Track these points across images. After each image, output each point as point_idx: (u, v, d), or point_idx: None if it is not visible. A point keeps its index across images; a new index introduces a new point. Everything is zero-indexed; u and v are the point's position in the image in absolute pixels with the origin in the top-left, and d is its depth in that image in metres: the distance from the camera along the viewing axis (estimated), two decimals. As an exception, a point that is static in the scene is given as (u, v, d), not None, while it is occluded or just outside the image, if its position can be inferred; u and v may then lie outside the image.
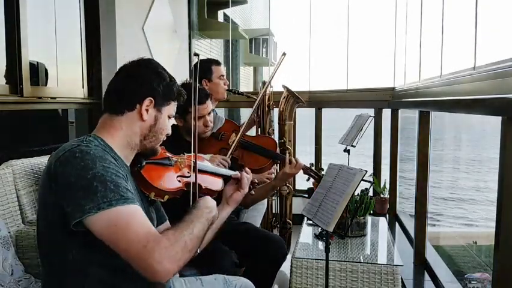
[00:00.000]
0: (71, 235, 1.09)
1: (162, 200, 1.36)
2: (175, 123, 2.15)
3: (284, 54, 2.39)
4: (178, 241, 1.09)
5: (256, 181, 1.84)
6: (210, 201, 1.31)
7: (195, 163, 1.42)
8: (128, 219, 1.07)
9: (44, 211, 1.16)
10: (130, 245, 1.05)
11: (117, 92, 1.27)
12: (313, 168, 2.16)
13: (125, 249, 1.06)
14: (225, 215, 1.57)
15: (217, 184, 1.56)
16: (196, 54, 1.43)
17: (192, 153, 1.45)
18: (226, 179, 1.62)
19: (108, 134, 1.24)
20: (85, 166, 1.08)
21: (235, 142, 2.07)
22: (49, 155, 2.04)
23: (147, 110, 1.26)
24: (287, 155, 2.11)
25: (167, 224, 1.51)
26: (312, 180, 3.77)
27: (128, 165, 1.30)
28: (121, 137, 1.26)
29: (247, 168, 1.67)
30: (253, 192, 1.77)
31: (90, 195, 1.06)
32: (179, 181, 1.40)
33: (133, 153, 1.30)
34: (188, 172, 1.44)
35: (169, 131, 1.36)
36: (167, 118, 1.33)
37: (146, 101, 1.26)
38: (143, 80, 1.26)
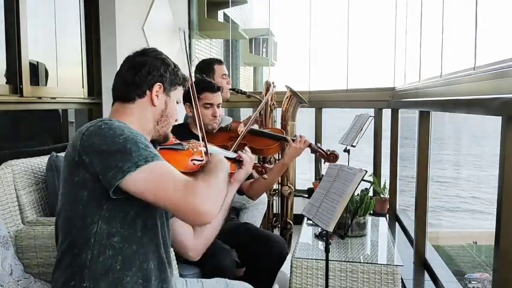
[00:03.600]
0: (101, 207, 1.15)
1: None
2: (182, 120, 2.18)
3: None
4: (211, 184, 1.17)
5: (269, 166, 1.89)
6: (218, 156, 1.39)
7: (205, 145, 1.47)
8: (166, 170, 1.15)
9: (73, 187, 1.19)
10: (174, 190, 1.11)
11: (126, 81, 1.32)
12: (319, 145, 2.24)
13: (169, 195, 1.11)
14: (230, 195, 1.61)
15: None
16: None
17: (200, 138, 1.49)
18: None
19: (122, 120, 1.28)
20: (114, 133, 1.14)
21: (245, 128, 2.17)
22: (49, 155, 2.06)
23: (157, 96, 1.32)
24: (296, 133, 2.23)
25: None
26: (313, 180, 3.79)
27: None
28: (134, 122, 1.30)
29: (247, 148, 1.71)
30: (267, 177, 1.87)
31: (126, 156, 1.11)
32: (194, 164, 1.45)
33: (148, 138, 1.34)
34: (201, 157, 1.49)
35: (177, 117, 1.43)
36: (175, 103, 1.39)
37: (156, 87, 1.32)
38: (151, 67, 1.32)
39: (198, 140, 1.53)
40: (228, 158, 1.62)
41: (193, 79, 2.13)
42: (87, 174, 1.14)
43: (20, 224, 1.88)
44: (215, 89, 2.13)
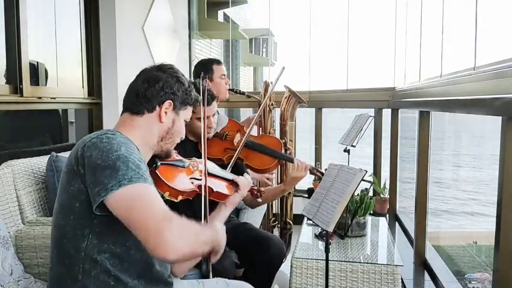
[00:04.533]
0: (91, 221, 1.13)
1: (176, 200, 1.40)
2: None
3: (283, 68, 2.36)
4: (192, 226, 1.13)
5: (263, 189, 1.87)
6: (216, 226, 1.31)
7: (205, 167, 1.47)
8: (148, 196, 1.11)
9: (68, 195, 1.19)
10: (149, 217, 1.06)
11: (138, 93, 1.32)
12: (319, 169, 2.17)
13: (142, 222, 1.06)
14: (223, 217, 1.61)
15: (224, 188, 1.61)
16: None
17: (203, 157, 1.51)
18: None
19: (128, 132, 1.29)
20: (110, 148, 1.14)
21: (241, 144, 2.07)
22: (49, 155, 2.06)
23: (166, 113, 1.33)
24: (294, 158, 2.12)
25: None
26: (312, 180, 3.79)
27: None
28: (140, 135, 1.31)
29: (246, 175, 1.71)
30: (260, 200, 1.83)
31: (113, 174, 1.10)
32: (192, 183, 1.45)
33: (151, 153, 1.36)
34: (200, 175, 1.49)
35: (183, 135, 1.42)
36: (183, 122, 1.39)
37: (166, 104, 1.32)
38: (164, 84, 1.32)
39: (193, 147, 1.53)
40: (225, 179, 1.65)
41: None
42: (81, 186, 1.14)
43: (20, 224, 1.88)
44: (209, 101, 1.97)
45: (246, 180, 1.68)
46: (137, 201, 1.09)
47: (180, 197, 1.40)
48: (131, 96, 1.34)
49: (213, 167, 1.65)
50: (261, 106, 2.44)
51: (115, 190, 1.08)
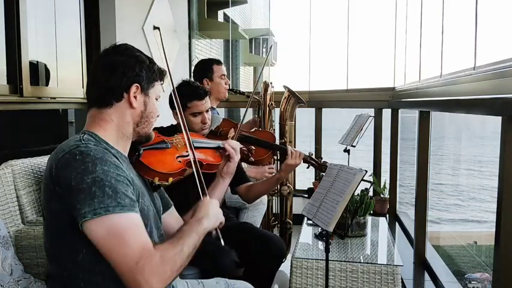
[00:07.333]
0: (80, 235, 1.08)
1: (167, 183, 1.36)
2: (174, 123, 2.16)
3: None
4: (169, 260, 1.08)
5: (254, 148, 1.91)
6: (201, 212, 1.27)
7: (190, 141, 1.44)
8: (124, 231, 1.06)
9: (52, 214, 1.16)
10: (123, 259, 1.05)
11: (101, 84, 1.23)
12: (313, 156, 2.21)
13: (116, 262, 1.06)
14: (223, 189, 1.64)
15: (213, 157, 1.62)
16: (156, 28, 1.49)
17: (183, 132, 1.48)
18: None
19: (101, 128, 1.22)
20: (85, 169, 1.07)
21: (235, 135, 2.10)
22: (49, 155, 2.06)
23: (135, 97, 1.24)
24: (288, 146, 2.16)
25: (173, 209, 1.51)
26: (312, 180, 3.79)
27: (126, 155, 1.29)
28: (113, 129, 1.23)
29: (229, 140, 1.73)
30: (253, 159, 1.90)
31: (88, 200, 1.05)
32: (179, 161, 1.42)
33: (129, 142, 1.29)
34: (187, 151, 1.46)
35: (159, 113, 1.34)
36: (155, 100, 1.31)
37: (133, 88, 1.23)
38: (125, 68, 1.22)
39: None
40: (211, 148, 1.63)
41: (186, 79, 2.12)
42: (63, 206, 1.10)
43: (20, 224, 1.88)
44: (202, 95, 2.02)
45: (233, 143, 1.66)
46: (112, 239, 1.05)
47: (171, 179, 1.36)
48: (93, 89, 1.25)
49: (197, 140, 1.62)
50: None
51: (88, 218, 1.04)
